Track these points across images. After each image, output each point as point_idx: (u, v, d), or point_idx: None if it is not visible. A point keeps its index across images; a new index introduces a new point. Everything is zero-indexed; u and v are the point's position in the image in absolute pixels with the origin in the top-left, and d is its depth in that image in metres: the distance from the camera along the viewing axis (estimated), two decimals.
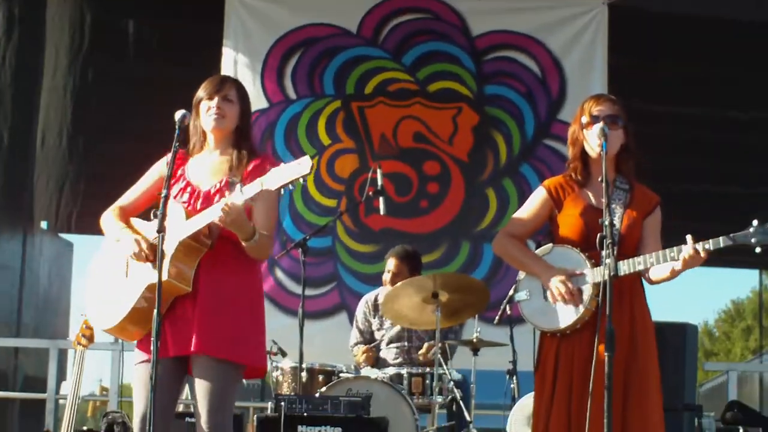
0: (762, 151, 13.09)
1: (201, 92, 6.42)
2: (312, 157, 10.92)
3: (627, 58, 11.85)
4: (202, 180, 6.30)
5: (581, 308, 6.36)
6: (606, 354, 5.83)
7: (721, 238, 6.06)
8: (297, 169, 5.85)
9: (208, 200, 6.25)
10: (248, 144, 6.54)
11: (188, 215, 6.15)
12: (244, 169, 6.37)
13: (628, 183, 6.59)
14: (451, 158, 11.75)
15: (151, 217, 6.15)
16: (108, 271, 6.41)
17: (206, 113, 6.35)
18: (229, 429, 6.20)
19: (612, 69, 11.68)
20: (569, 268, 6.44)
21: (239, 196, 5.93)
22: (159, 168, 6.52)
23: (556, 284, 6.39)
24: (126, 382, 15.20)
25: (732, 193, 13.18)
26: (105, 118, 11.60)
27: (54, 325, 12.04)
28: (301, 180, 5.82)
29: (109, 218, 6.46)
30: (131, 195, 6.57)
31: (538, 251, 6.63)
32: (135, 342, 6.47)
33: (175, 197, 6.29)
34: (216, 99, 6.34)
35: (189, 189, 6.31)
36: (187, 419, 8.61)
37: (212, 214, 6.03)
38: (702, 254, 6.11)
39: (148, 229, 6.25)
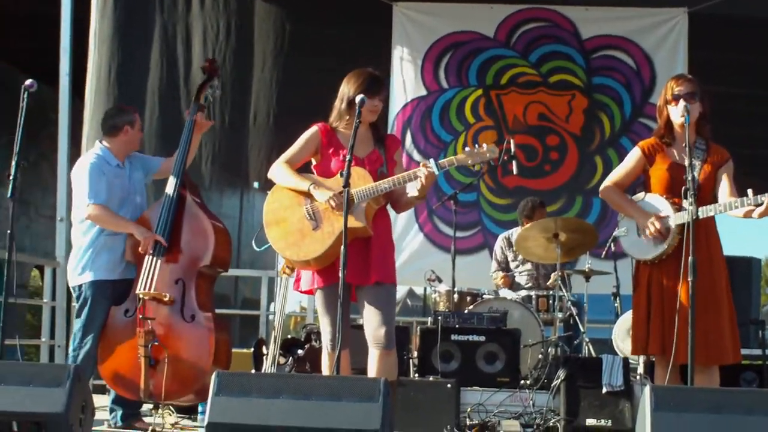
0: None
1: (361, 87, 6.39)
2: (460, 133, 11.18)
3: (702, 52, 11.73)
4: (357, 149, 6.23)
5: (667, 243, 6.56)
6: (689, 279, 6.00)
7: None
8: (487, 155, 6.26)
9: (363, 164, 6.38)
10: (383, 124, 6.81)
11: (374, 178, 6.31)
12: (385, 141, 6.61)
13: (705, 143, 6.71)
14: (567, 133, 11.79)
15: (339, 176, 6.07)
16: (290, 213, 6.44)
17: (368, 109, 6.32)
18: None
19: (691, 61, 11.63)
20: (658, 211, 6.63)
21: (435, 168, 6.18)
22: (316, 138, 6.50)
23: (650, 223, 6.58)
24: None
25: None
26: (300, 102, 11.62)
27: (264, 259, 12.25)
28: (490, 162, 6.36)
29: (287, 171, 6.46)
30: (294, 155, 6.54)
31: (634, 197, 6.83)
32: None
33: (341, 161, 6.33)
34: (376, 99, 6.44)
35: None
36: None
37: (401, 180, 6.27)
38: (764, 207, 6.27)
39: (330, 185, 6.34)
